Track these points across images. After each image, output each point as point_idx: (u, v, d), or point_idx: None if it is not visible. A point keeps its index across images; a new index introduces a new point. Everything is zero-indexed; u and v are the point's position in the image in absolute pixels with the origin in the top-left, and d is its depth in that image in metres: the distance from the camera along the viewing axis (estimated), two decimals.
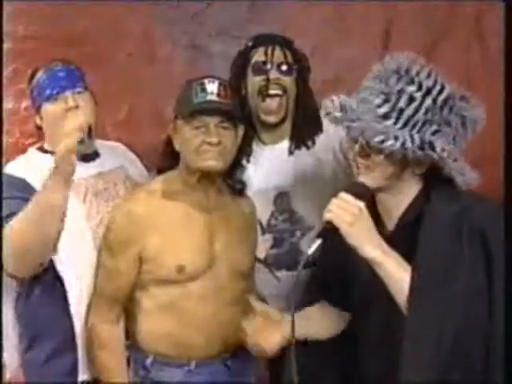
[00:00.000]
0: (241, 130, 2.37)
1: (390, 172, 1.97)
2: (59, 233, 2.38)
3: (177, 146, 2.35)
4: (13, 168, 2.59)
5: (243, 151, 2.46)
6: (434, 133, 1.92)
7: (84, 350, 2.47)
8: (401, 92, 1.92)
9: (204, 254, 2.33)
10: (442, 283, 1.86)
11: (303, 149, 2.71)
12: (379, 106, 1.92)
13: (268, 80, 2.63)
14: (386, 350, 2.02)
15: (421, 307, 1.86)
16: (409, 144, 1.89)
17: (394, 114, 1.91)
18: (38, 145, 2.73)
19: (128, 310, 2.40)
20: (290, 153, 2.71)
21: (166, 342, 2.34)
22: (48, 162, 2.52)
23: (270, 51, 2.64)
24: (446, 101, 1.94)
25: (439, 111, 1.93)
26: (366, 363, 2.12)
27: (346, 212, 1.88)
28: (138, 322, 2.38)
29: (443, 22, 3.40)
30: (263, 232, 2.69)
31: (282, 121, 2.68)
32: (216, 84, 2.28)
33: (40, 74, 2.57)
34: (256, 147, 2.72)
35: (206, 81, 2.30)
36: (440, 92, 1.94)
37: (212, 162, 2.26)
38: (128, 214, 2.31)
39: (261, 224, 2.67)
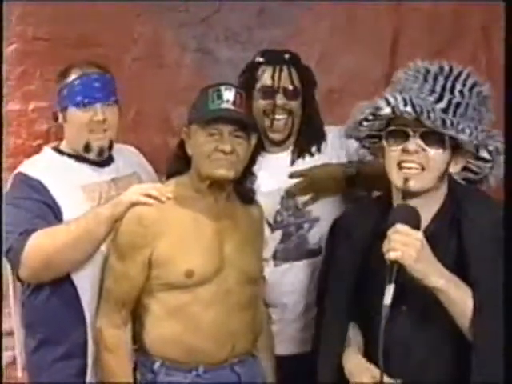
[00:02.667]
0: (253, 140, 2.37)
1: (442, 169, 1.98)
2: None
3: (189, 151, 2.36)
4: (28, 168, 2.58)
5: (254, 160, 2.47)
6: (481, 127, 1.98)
7: (94, 355, 2.48)
8: (452, 89, 1.96)
9: (213, 259, 2.34)
10: (498, 303, 1.87)
11: (306, 157, 2.79)
12: (436, 103, 1.94)
13: (275, 105, 2.68)
14: (405, 362, 2.03)
15: (485, 331, 1.86)
16: (475, 135, 1.93)
17: (452, 109, 1.94)
18: (52, 144, 2.71)
19: (136, 314, 2.40)
20: (292, 163, 2.77)
21: (175, 346, 2.34)
22: (64, 164, 2.59)
23: (277, 75, 2.68)
24: (484, 99, 2.01)
25: (481, 107, 1.99)
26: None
27: (409, 248, 1.84)
28: (147, 327, 2.38)
29: (449, 31, 3.44)
30: (272, 230, 2.72)
31: (288, 137, 2.76)
32: (233, 92, 2.29)
33: (74, 76, 2.54)
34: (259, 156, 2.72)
35: (222, 88, 2.30)
36: (480, 91, 2.00)
37: (223, 170, 2.26)
38: (138, 219, 2.31)
39: (269, 223, 2.71)
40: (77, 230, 2.37)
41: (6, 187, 2.61)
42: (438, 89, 1.96)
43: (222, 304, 2.34)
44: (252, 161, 2.42)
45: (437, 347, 1.99)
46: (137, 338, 2.41)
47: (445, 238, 2.00)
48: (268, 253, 2.70)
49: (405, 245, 1.84)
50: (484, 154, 2.00)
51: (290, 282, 2.74)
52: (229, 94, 2.28)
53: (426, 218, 2.00)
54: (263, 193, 2.66)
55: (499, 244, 1.92)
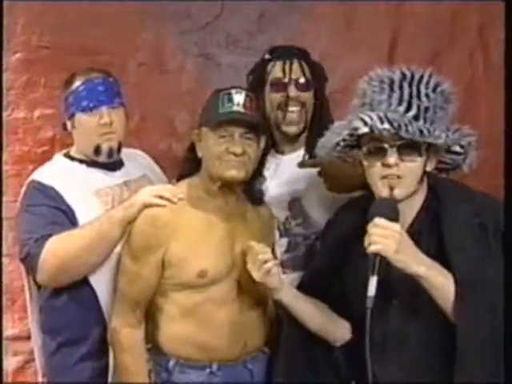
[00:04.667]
0: (263, 142, 2.41)
1: (420, 175, 2.04)
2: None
3: (200, 153, 2.39)
4: (40, 175, 2.61)
5: (263, 162, 2.50)
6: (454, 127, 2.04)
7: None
8: (419, 94, 2.00)
9: (225, 259, 2.38)
10: (479, 286, 1.93)
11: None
12: (407, 111, 1.99)
13: (287, 97, 2.68)
14: (398, 354, 2.09)
15: (467, 312, 1.91)
16: (450, 137, 2.00)
17: (422, 115, 1.99)
18: (63, 151, 2.75)
19: (150, 313, 2.44)
20: (301, 164, 2.72)
21: (188, 345, 2.38)
22: (76, 169, 2.63)
23: (287, 67, 2.68)
24: (448, 96, 2.05)
25: (446, 105, 2.04)
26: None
27: (388, 239, 1.91)
28: (160, 326, 2.42)
29: (447, 32, 3.47)
30: (280, 235, 2.74)
31: (302, 131, 2.74)
32: (243, 95, 2.33)
33: (78, 83, 2.58)
34: (273, 158, 2.75)
35: (233, 91, 2.34)
36: (443, 89, 2.04)
37: (234, 171, 2.30)
38: (151, 220, 2.35)
39: (279, 228, 2.72)
40: (91, 233, 2.41)
41: (7, 194, 2.64)
42: (406, 97, 2.00)
43: (234, 302, 2.39)
44: (261, 162, 2.46)
45: (429, 337, 2.05)
46: (150, 337, 2.45)
47: (428, 233, 2.07)
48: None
49: (384, 237, 1.91)
50: (457, 148, 2.06)
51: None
52: (239, 97, 2.32)
53: (409, 216, 2.09)
54: (271, 197, 2.67)
55: (478, 231, 2.00)
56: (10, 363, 3.39)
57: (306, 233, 2.74)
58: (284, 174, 2.75)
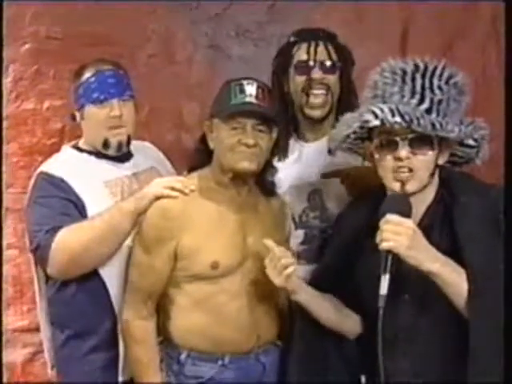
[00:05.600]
0: (275, 133, 2.39)
1: (432, 168, 2.02)
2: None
3: (211, 144, 2.38)
4: (49, 166, 2.60)
5: (275, 153, 2.47)
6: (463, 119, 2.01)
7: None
8: (431, 86, 1.98)
9: (237, 251, 2.37)
10: (492, 282, 1.91)
11: None
12: (420, 104, 1.97)
13: (311, 80, 2.62)
14: (410, 349, 2.07)
15: (480, 309, 1.90)
16: (463, 130, 1.97)
17: (435, 107, 1.97)
18: (71, 143, 2.74)
19: (161, 305, 2.44)
20: (330, 151, 2.63)
21: (201, 337, 2.38)
22: (84, 161, 2.62)
23: (312, 48, 2.63)
24: (462, 87, 2.02)
25: (460, 97, 2.02)
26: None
27: (401, 236, 1.88)
28: (172, 318, 2.42)
29: (459, 23, 3.45)
30: (296, 227, 2.70)
31: (327, 115, 2.67)
32: (255, 86, 2.31)
33: (88, 74, 2.57)
34: (296, 144, 2.72)
35: (244, 82, 2.32)
36: (456, 81, 2.01)
37: (246, 163, 2.29)
38: (163, 212, 2.34)
39: (294, 219, 2.68)
40: (101, 225, 2.41)
41: (16, 185, 2.63)
42: (419, 89, 1.98)
43: (247, 294, 2.38)
44: (273, 154, 2.44)
45: (441, 331, 2.03)
46: (162, 329, 2.45)
47: (439, 227, 2.05)
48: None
49: (396, 234, 1.88)
50: (469, 141, 2.04)
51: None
52: (251, 89, 2.30)
53: (420, 209, 2.07)
54: (292, 186, 2.64)
55: (491, 225, 1.97)
56: (19, 355, 3.40)
57: (323, 226, 2.70)
58: (307, 162, 2.71)
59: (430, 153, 2.00)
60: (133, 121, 2.64)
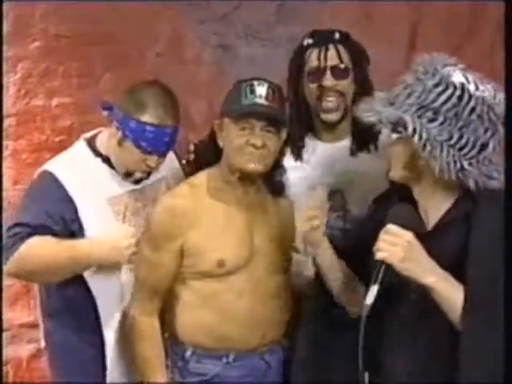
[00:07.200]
0: (284, 134, 2.39)
1: (405, 160, 2.01)
2: None
3: (220, 143, 2.39)
4: (57, 168, 2.55)
5: (284, 153, 2.48)
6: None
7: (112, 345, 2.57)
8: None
9: (244, 249, 2.39)
10: (489, 303, 1.89)
11: (364, 150, 2.67)
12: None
13: (323, 87, 2.58)
14: (411, 347, 2.07)
15: (472, 327, 1.89)
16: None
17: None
18: (89, 135, 2.67)
19: (167, 302, 2.45)
20: (352, 153, 2.66)
21: (206, 334, 2.39)
22: (94, 168, 2.58)
23: (323, 54, 2.58)
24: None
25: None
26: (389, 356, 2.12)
27: (395, 247, 1.87)
28: (178, 315, 2.44)
29: (467, 25, 3.45)
30: None
31: (342, 119, 2.64)
32: (265, 87, 2.32)
33: (149, 119, 2.43)
34: (313, 143, 2.69)
35: (255, 83, 2.33)
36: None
37: (253, 164, 2.31)
38: (172, 209, 2.37)
39: None
40: (59, 254, 2.43)
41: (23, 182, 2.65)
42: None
43: (253, 293, 2.40)
44: (282, 154, 2.45)
45: (443, 330, 2.02)
46: (167, 326, 2.47)
47: (455, 233, 2.01)
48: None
49: (393, 245, 1.87)
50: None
51: None
52: (261, 89, 2.31)
53: (438, 212, 2.03)
54: (311, 185, 2.57)
55: (503, 240, 1.93)
56: (25, 350, 3.43)
57: (345, 227, 2.63)
58: (325, 162, 2.68)
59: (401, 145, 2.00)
60: (160, 166, 2.58)
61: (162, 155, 2.53)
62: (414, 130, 1.92)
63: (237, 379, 2.42)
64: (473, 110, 1.92)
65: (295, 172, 2.62)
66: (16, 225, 2.48)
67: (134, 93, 2.49)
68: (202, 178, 2.44)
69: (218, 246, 2.35)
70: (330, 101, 2.60)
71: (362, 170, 2.62)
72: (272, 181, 2.49)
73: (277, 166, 2.46)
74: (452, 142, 1.91)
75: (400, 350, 2.08)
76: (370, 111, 1.98)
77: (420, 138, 1.91)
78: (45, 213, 2.47)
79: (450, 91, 1.93)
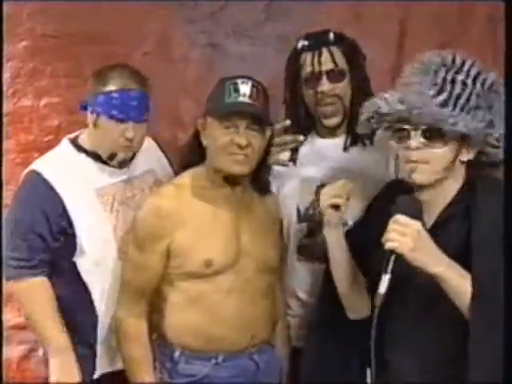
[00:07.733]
0: (268, 132, 2.38)
1: (446, 161, 2.00)
2: None
3: (204, 142, 2.37)
4: (43, 167, 2.58)
5: (269, 152, 2.46)
6: (484, 116, 1.98)
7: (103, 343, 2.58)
8: (453, 80, 1.97)
9: (231, 249, 2.38)
10: (496, 291, 1.90)
11: (359, 145, 2.67)
12: (435, 96, 1.96)
13: (319, 93, 2.57)
14: (412, 342, 2.08)
15: (481, 314, 1.90)
16: (472, 126, 1.94)
17: (452, 101, 1.95)
18: (72, 135, 2.70)
19: (155, 303, 2.44)
20: (345, 149, 2.66)
21: (194, 335, 2.38)
22: (79, 163, 2.60)
23: (316, 59, 2.56)
24: (492, 85, 2.00)
25: (489, 94, 1.99)
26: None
27: (405, 237, 1.88)
28: (166, 316, 2.42)
29: (456, 22, 3.44)
30: (299, 221, 2.65)
31: (342, 121, 2.63)
32: (249, 85, 2.30)
33: (113, 88, 2.50)
34: (311, 138, 2.70)
35: (239, 81, 2.31)
36: (485, 78, 2.00)
37: (238, 167, 2.29)
38: (157, 210, 2.34)
39: (298, 211, 2.64)
40: (39, 318, 2.58)
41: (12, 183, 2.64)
42: (439, 81, 1.98)
43: (241, 293, 2.39)
44: (267, 153, 2.43)
45: (445, 325, 2.02)
46: (156, 327, 2.45)
47: (457, 225, 2.03)
48: (293, 245, 2.67)
49: (402, 235, 1.88)
50: (492, 140, 2.02)
51: (310, 282, 2.67)
52: (245, 88, 2.29)
53: (439, 205, 2.06)
54: (302, 178, 2.62)
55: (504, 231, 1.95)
56: (15, 352, 3.42)
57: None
58: (317, 156, 2.68)
59: (442, 145, 1.98)
60: (142, 141, 2.61)
61: (135, 121, 2.52)
62: (465, 126, 1.94)
63: (226, 380, 2.41)
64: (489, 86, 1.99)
65: (291, 168, 2.66)
66: (17, 264, 2.56)
67: (99, 73, 2.57)
68: (186, 178, 2.43)
69: (205, 246, 2.34)
70: (329, 106, 2.60)
71: (354, 164, 2.62)
72: (258, 180, 2.47)
73: (262, 165, 2.44)
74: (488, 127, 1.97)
75: (401, 348, 2.08)
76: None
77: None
78: (34, 213, 2.49)
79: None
